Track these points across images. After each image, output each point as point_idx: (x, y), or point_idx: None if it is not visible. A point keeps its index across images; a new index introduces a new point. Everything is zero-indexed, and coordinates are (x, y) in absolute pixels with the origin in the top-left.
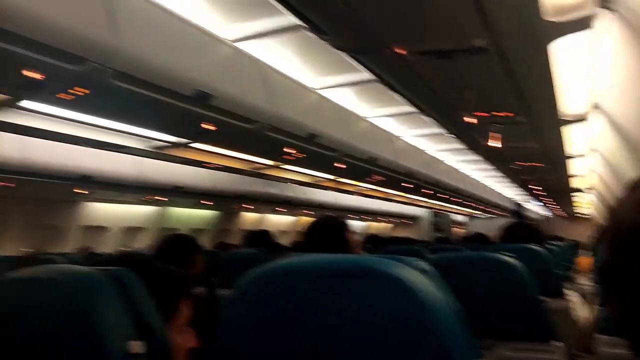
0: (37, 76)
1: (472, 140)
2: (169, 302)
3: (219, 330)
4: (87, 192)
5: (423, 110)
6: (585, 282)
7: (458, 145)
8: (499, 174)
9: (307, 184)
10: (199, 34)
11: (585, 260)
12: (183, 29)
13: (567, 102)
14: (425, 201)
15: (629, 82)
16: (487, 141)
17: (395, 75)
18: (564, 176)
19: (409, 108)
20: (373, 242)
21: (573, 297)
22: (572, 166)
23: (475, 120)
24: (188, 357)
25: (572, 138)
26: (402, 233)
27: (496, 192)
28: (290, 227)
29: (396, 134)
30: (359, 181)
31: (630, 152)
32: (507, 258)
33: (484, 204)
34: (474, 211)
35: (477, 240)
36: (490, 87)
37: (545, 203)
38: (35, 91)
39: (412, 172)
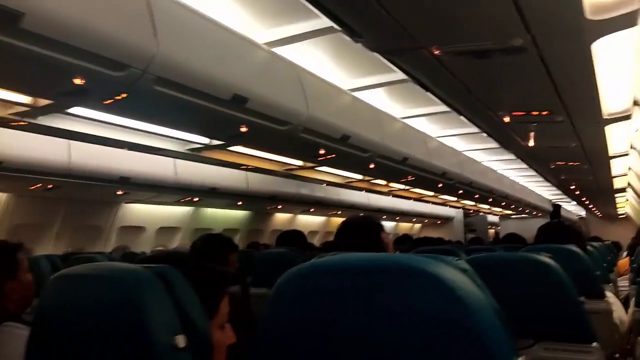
0: (84, 83)
1: (508, 140)
2: (210, 299)
3: (258, 327)
4: (127, 194)
5: (457, 109)
6: (624, 283)
7: (493, 144)
8: (535, 173)
9: (339, 184)
10: (235, 39)
11: (624, 262)
12: (220, 34)
13: (609, 100)
14: (458, 201)
15: None
16: (524, 140)
17: (429, 76)
18: (607, 176)
19: (443, 108)
20: (404, 242)
21: (612, 299)
22: (614, 166)
23: (512, 120)
24: (227, 353)
25: (614, 137)
26: (432, 234)
27: (532, 192)
28: (321, 227)
29: (430, 133)
30: (392, 182)
31: None
32: (544, 258)
33: (519, 204)
34: (507, 211)
35: (511, 240)
36: (528, 86)
37: (583, 203)
38: (81, 98)
39: (446, 172)
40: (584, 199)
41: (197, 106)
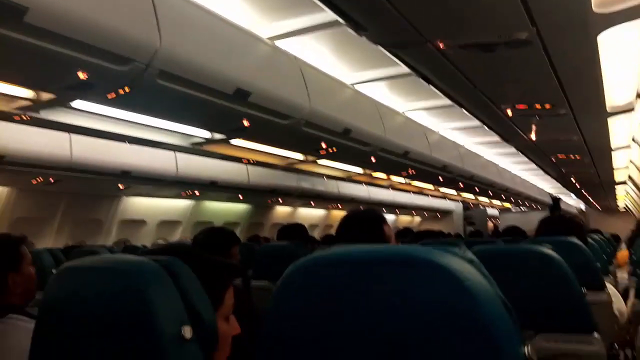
0: (87, 77)
1: (510, 133)
2: (215, 291)
3: (264, 319)
4: (127, 187)
5: (460, 103)
6: (624, 275)
7: (494, 138)
8: (536, 166)
9: (339, 178)
10: (238, 33)
11: (623, 254)
12: (223, 28)
13: (612, 93)
14: (458, 194)
15: None
16: (527, 134)
17: (433, 70)
18: (607, 169)
19: (445, 101)
20: (406, 235)
21: (612, 291)
22: (615, 158)
23: (514, 113)
24: (231, 344)
25: (616, 129)
26: (431, 227)
27: (532, 185)
28: (321, 221)
29: (431, 127)
30: (393, 175)
31: None
32: (547, 250)
33: (520, 197)
34: (507, 205)
35: (512, 233)
36: (532, 79)
37: (583, 196)
38: (85, 92)
39: (446, 165)
40: (584, 192)
41: (200, 100)
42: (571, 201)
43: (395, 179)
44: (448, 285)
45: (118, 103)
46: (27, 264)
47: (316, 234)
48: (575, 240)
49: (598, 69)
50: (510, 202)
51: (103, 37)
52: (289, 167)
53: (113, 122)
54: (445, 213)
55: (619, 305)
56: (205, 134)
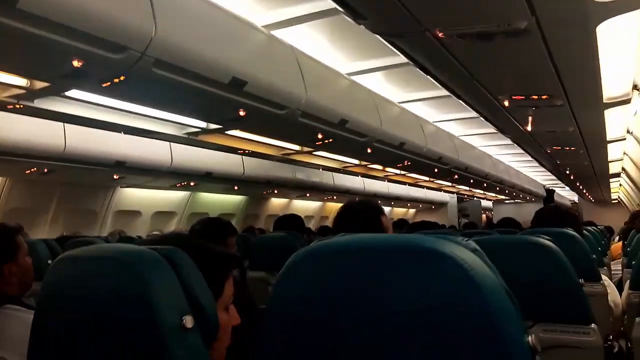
0: (82, 65)
1: (506, 124)
2: (215, 281)
3: (267, 307)
4: (122, 178)
5: (457, 93)
6: (617, 267)
7: (489, 129)
8: (531, 158)
9: (335, 169)
10: (235, 22)
11: (617, 246)
12: (220, 17)
13: (609, 84)
14: (453, 186)
15: None
16: (523, 125)
17: (431, 59)
18: (602, 161)
19: (441, 92)
20: (402, 226)
21: (607, 282)
22: (610, 150)
23: (511, 104)
24: (232, 333)
25: (611, 121)
26: (426, 218)
27: (526, 177)
28: (316, 212)
29: (427, 118)
30: (389, 167)
31: None
32: (545, 241)
33: (514, 189)
34: (501, 196)
35: (507, 224)
36: (530, 69)
37: (577, 188)
38: (80, 80)
39: (442, 156)
40: (578, 183)
41: (196, 89)
42: (564, 193)
43: (391, 170)
44: (453, 274)
45: (113, 92)
46: (24, 254)
47: (311, 225)
48: (571, 231)
49: (596, 60)
50: (505, 193)
51: (98, 24)
52: (285, 158)
53: (108, 111)
54: (440, 205)
55: (614, 297)
56: (201, 124)
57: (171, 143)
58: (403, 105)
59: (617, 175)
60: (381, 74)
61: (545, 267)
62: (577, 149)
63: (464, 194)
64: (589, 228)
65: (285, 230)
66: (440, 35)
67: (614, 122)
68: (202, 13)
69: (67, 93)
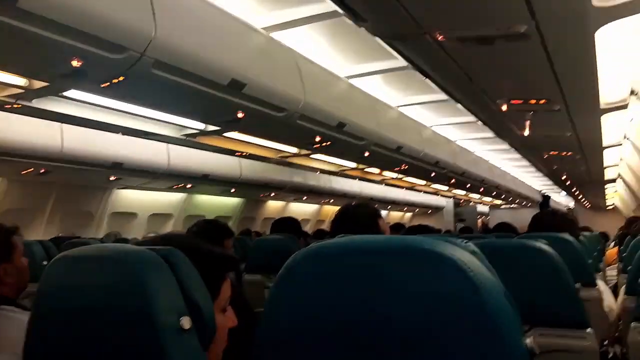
0: (81, 65)
1: (504, 129)
2: (213, 282)
3: (265, 310)
4: (118, 179)
5: (456, 97)
6: (613, 273)
7: (488, 134)
8: (528, 163)
9: (332, 172)
10: (235, 23)
11: (612, 252)
12: (220, 18)
13: (607, 89)
14: (449, 191)
15: None
16: (521, 129)
17: (431, 62)
18: (598, 166)
19: (440, 96)
20: (398, 230)
21: (602, 287)
22: (607, 156)
23: (509, 108)
24: (227, 336)
25: (608, 127)
26: (422, 222)
27: (523, 182)
28: (313, 215)
29: (425, 122)
30: (386, 170)
31: None
32: (542, 245)
33: (510, 194)
34: (497, 201)
35: (503, 229)
36: (528, 73)
37: (573, 194)
38: (79, 80)
39: (439, 161)
40: (575, 189)
41: (195, 90)
42: (560, 199)
43: (388, 174)
44: (452, 275)
45: (112, 93)
46: (19, 255)
47: (308, 228)
48: (568, 236)
49: (594, 65)
50: (501, 198)
51: (98, 24)
52: (282, 161)
53: (106, 112)
54: (436, 209)
55: (609, 302)
56: (199, 125)
57: (169, 144)
58: (401, 108)
59: (613, 181)
60: (379, 77)
61: (542, 271)
62: (574, 154)
63: (461, 199)
64: (585, 233)
65: (282, 233)
66: (440, 38)
67: (611, 127)
68: (202, 14)
69: (66, 93)
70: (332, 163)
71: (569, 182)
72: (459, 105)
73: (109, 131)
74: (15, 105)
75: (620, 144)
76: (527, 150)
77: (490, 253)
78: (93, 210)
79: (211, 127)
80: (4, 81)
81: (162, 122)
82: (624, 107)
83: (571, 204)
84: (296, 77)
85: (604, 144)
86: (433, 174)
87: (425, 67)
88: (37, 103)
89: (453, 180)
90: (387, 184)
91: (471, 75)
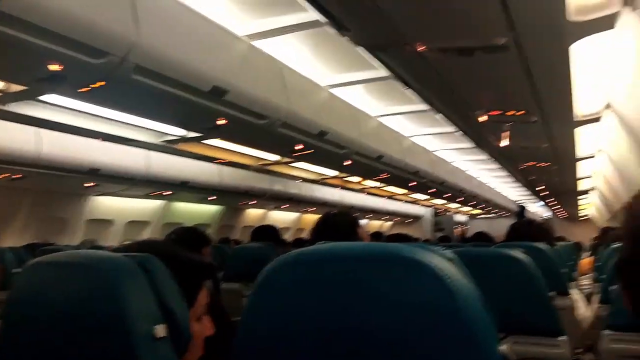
0: (60, 69)
1: (483, 139)
2: (189, 290)
3: (243, 317)
4: (95, 186)
5: (436, 108)
6: (586, 281)
7: (467, 144)
8: (505, 173)
9: (313, 180)
10: (217, 31)
11: (586, 261)
12: (203, 25)
13: (581, 102)
14: (428, 200)
15: None
16: (499, 140)
17: (412, 72)
18: (572, 177)
19: (420, 106)
20: (378, 238)
21: (576, 296)
22: (581, 167)
23: (488, 119)
24: (204, 345)
25: (583, 139)
26: (401, 231)
27: (499, 192)
28: (293, 224)
29: (405, 132)
30: (366, 179)
31: None
32: (518, 254)
33: (487, 204)
34: (475, 211)
35: (480, 239)
36: (507, 85)
37: (549, 204)
38: (58, 84)
39: (419, 170)
40: (550, 199)
41: (176, 97)
42: (536, 209)
43: (368, 183)
44: (430, 282)
45: (92, 97)
46: None
47: (287, 237)
48: (543, 246)
49: (570, 78)
50: (478, 208)
51: (78, 28)
52: (263, 169)
53: (85, 117)
54: (416, 218)
55: (583, 310)
56: (179, 132)
57: (148, 151)
58: (382, 118)
59: (587, 192)
60: (361, 87)
61: (517, 279)
62: (549, 165)
63: (440, 208)
64: (560, 243)
65: (262, 241)
66: (421, 48)
67: (586, 139)
68: (185, 21)
69: (44, 97)
70: (313, 171)
71: (544, 193)
72: (439, 116)
73: (87, 137)
74: None
75: (594, 156)
76: (505, 160)
77: (467, 261)
78: (69, 217)
79: (192, 134)
80: None
81: (142, 128)
82: (598, 119)
83: (547, 214)
84: (278, 85)
85: (579, 155)
86: (413, 184)
87: (406, 77)
88: (14, 107)
89: (432, 190)
90: (367, 193)
91: (451, 86)
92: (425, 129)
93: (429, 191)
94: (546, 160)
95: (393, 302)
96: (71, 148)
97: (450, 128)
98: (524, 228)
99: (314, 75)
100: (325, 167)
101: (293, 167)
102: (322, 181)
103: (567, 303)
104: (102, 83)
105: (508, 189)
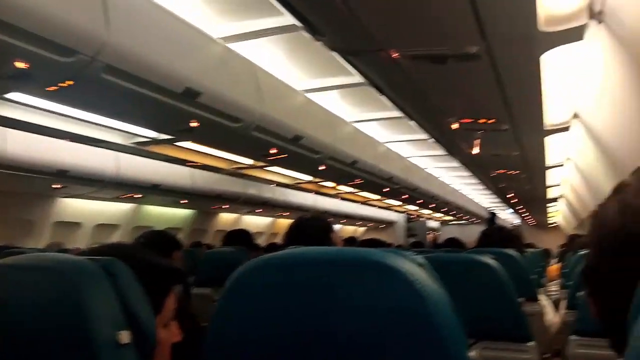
0: (26, 67)
1: (454, 147)
2: (156, 295)
3: (212, 322)
4: (63, 187)
5: (409, 115)
6: (554, 288)
7: (439, 151)
8: (477, 181)
9: (287, 185)
10: (191, 32)
11: (554, 268)
12: (176, 26)
13: (550, 111)
14: (401, 206)
15: (611, 93)
16: (470, 148)
17: (386, 79)
18: (541, 185)
19: (394, 113)
20: (352, 243)
21: (544, 302)
22: (550, 176)
23: (460, 127)
24: (171, 351)
25: (551, 147)
26: (375, 237)
27: (471, 199)
28: (267, 228)
29: (379, 138)
30: (341, 184)
31: (606, 162)
32: (488, 260)
33: (459, 210)
34: (447, 217)
35: (451, 244)
36: (478, 94)
37: (518, 211)
38: (23, 82)
39: (392, 176)
40: (520, 207)
41: (147, 98)
42: (506, 216)
43: (343, 188)
44: (400, 287)
45: (60, 97)
46: None
47: (261, 242)
48: (512, 252)
49: (540, 88)
50: (450, 214)
51: (46, 25)
52: (236, 173)
53: (53, 117)
54: (389, 224)
55: (551, 316)
56: (151, 133)
57: (118, 152)
58: (357, 124)
59: (556, 200)
60: (336, 92)
61: (487, 285)
62: (519, 173)
63: (412, 214)
64: (529, 250)
65: (234, 245)
66: (395, 55)
67: (555, 148)
68: (157, 21)
69: (9, 96)
70: (287, 176)
71: (514, 200)
72: (413, 123)
73: (55, 137)
74: None
75: (562, 165)
76: (476, 168)
77: (438, 267)
78: (35, 219)
79: (163, 136)
80: None
81: (112, 129)
82: (566, 129)
83: (516, 221)
84: (253, 88)
85: (548, 164)
86: (386, 189)
87: (380, 84)
88: None
89: (406, 196)
90: (342, 198)
91: (424, 94)
92: (399, 135)
93: (402, 197)
94: (516, 168)
95: (364, 307)
96: (38, 148)
97: (424, 135)
98: (495, 234)
99: (290, 80)
100: (299, 171)
101: (267, 171)
102: (297, 186)
103: (536, 309)
104: (71, 82)
105: (479, 196)
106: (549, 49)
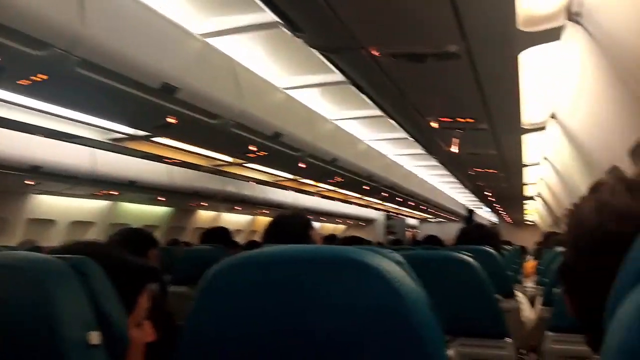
0: None
1: (433, 145)
2: (128, 294)
3: (188, 320)
4: (36, 184)
5: (389, 113)
6: (530, 284)
7: (418, 150)
8: (455, 179)
9: (266, 182)
10: (169, 27)
11: (530, 265)
12: (153, 20)
13: (527, 111)
14: (381, 204)
15: (587, 94)
16: (448, 146)
17: (365, 77)
18: (518, 184)
19: (375, 111)
20: (332, 241)
21: (521, 298)
22: (526, 174)
23: (439, 125)
24: (144, 350)
25: (528, 147)
26: (355, 234)
27: (449, 197)
28: (246, 226)
29: (360, 136)
30: (320, 182)
31: (582, 162)
32: (465, 257)
33: (438, 208)
34: (427, 215)
35: (430, 242)
36: (457, 93)
37: (496, 209)
38: None
39: (372, 175)
40: (497, 205)
41: (123, 93)
42: (483, 214)
43: (323, 186)
44: (377, 285)
45: (32, 91)
46: None
47: (240, 239)
48: (490, 249)
49: (517, 87)
50: (429, 212)
51: (19, 17)
52: (215, 170)
53: (25, 112)
54: (369, 222)
55: (527, 312)
56: (127, 129)
57: (94, 149)
58: (337, 122)
59: (532, 198)
60: (317, 90)
61: (465, 282)
62: (497, 171)
63: (392, 212)
64: (506, 247)
65: (212, 243)
66: (375, 53)
67: (531, 147)
68: (134, 15)
69: None
70: (267, 173)
71: (492, 199)
72: (392, 121)
73: (28, 132)
74: None
75: (538, 164)
76: (454, 166)
77: (417, 264)
78: (8, 216)
79: (140, 132)
80: None
81: (87, 124)
82: (543, 128)
83: (494, 219)
84: (232, 85)
85: (525, 162)
86: (366, 187)
87: (360, 81)
88: None
89: (385, 194)
90: (322, 196)
91: (403, 92)
92: (380, 134)
93: (382, 195)
94: (494, 166)
95: (342, 305)
96: (10, 144)
97: (403, 134)
98: (473, 232)
99: (270, 77)
100: (279, 169)
101: (247, 168)
102: (277, 183)
103: (513, 305)
104: (45, 77)
105: (457, 194)
106: (526, 48)
